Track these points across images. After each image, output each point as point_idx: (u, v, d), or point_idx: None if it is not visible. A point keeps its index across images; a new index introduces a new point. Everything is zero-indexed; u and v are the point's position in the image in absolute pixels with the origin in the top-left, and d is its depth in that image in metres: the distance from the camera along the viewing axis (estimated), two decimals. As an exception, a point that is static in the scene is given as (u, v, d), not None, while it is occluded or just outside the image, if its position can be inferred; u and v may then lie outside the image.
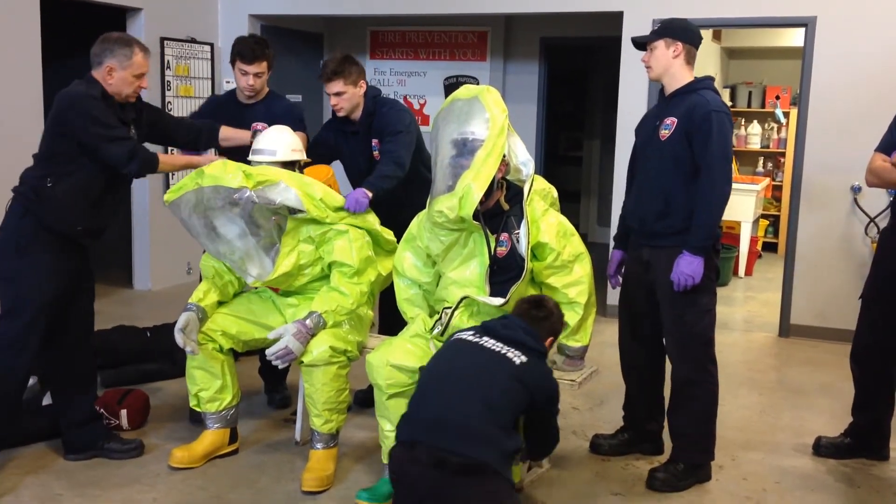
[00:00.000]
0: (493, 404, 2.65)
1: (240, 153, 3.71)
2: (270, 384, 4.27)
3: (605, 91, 8.89)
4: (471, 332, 2.91)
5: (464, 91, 3.18)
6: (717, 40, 8.39)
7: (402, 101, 8.04)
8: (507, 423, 2.68)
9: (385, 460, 3.25)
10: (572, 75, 9.61)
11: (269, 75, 4.07)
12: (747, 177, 8.34)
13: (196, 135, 3.81)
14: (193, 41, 6.75)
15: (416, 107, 8.06)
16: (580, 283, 3.26)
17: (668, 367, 3.57)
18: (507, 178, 3.27)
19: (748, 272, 7.87)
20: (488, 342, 2.83)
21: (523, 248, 3.13)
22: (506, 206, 3.19)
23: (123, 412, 3.85)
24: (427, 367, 2.92)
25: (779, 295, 5.94)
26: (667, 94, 3.42)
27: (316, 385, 3.36)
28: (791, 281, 5.75)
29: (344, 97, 3.89)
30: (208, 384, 3.53)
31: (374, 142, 3.99)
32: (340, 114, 3.96)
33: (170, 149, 4.75)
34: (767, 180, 8.59)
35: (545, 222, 3.23)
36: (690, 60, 3.38)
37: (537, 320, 2.97)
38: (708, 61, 7.80)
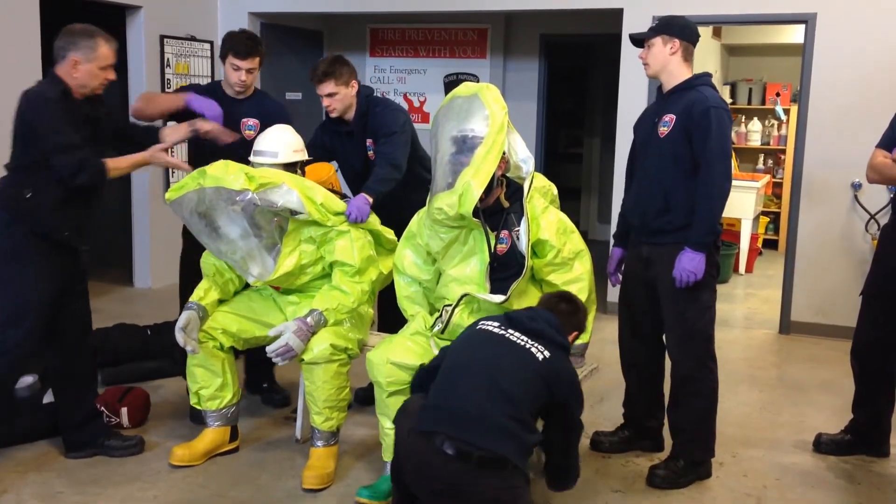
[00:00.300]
0: (514, 398, 2.63)
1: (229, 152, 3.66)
2: (256, 383, 4.25)
3: (606, 88, 8.88)
4: (496, 324, 2.86)
5: (463, 88, 3.18)
6: (718, 37, 8.38)
7: (402, 98, 8.05)
8: (527, 417, 2.66)
9: (386, 458, 3.25)
10: (572, 72, 9.60)
11: (258, 72, 4.05)
12: (748, 174, 8.33)
13: (144, 138, 3.69)
14: (193, 39, 6.75)
15: (417, 104, 8.06)
16: (580, 280, 3.26)
17: (668, 364, 3.57)
18: (507, 175, 3.27)
19: (749, 269, 7.87)
20: (513, 335, 2.79)
21: (523, 245, 3.13)
22: (506, 204, 3.19)
23: (124, 410, 3.85)
24: (449, 356, 2.85)
25: (779, 292, 5.94)
26: (665, 91, 3.42)
27: (317, 383, 3.36)
28: (791, 278, 5.75)
29: (336, 98, 3.88)
30: (209, 382, 3.53)
31: (369, 142, 3.99)
32: (333, 114, 3.96)
33: None
34: (768, 177, 8.60)
35: (545, 219, 3.23)
36: (688, 57, 3.38)
37: (565, 314, 2.95)
38: (708, 58, 7.80)
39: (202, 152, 3.84)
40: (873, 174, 3.58)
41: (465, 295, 3.14)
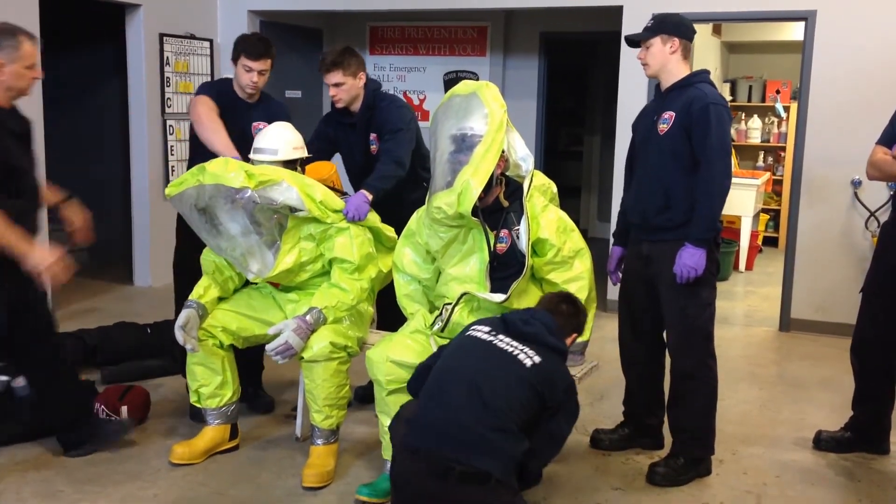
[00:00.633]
0: (498, 410, 2.59)
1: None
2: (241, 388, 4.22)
3: (605, 86, 8.87)
4: (486, 329, 2.82)
5: (462, 87, 3.18)
6: (717, 35, 8.37)
7: (401, 96, 8.04)
8: (513, 428, 2.61)
9: (385, 456, 3.25)
10: (572, 70, 9.59)
11: (269, 74, 4.04)
12: (748, 171, 8.33)
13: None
14: (192, 37, 6.74)
15: (416, 102, 8.05)
16: (580, 278, 3.25)
17: (668, 362, 3.57)
18: (507, 173, 3.27)
19: (748, 267, 7.87)
20: (502, 341, 2.75)
21: (523, 244, 3.13)
22: (505, 203, 3.19)
23: (124, 408, 3.85)
24: (437, 365, 2.83)
25: (779, 289, 5.94)
26: (663, 88, 3.41)
27: (316, 381, 3.36)
28: (791, 275, 5.75)
29: (343, 88, 3.89)
30: (209, 380, 3.53)
31: (373, 136, 3.99)
32: (339, 105, 3.96)
33: None
34: (768, 175, 8.59)
35: (545, 218, 3.22)
36: (686, 55, 3.38)
37: (565, 316, 2.93)
38: (708, 56, 7.79)
39: (203, 153, 3.82)
40: (873, 171, 3.58)
41: (464, 293, 3.14)
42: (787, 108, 8.67)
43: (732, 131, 3.29)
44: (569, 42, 8.41)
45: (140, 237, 6.59)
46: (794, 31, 7.88)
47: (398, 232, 3.52)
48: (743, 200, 7.42)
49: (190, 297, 3.51)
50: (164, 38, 6.45)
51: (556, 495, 3.31)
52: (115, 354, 4.62)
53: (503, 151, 3.10)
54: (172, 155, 6.60)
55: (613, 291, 5.85)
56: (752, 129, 8.98)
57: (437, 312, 3.27)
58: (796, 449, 3.82)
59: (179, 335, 3.36)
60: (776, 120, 9.02)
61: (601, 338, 5.06)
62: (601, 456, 3.68)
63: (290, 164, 3.52)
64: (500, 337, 2.77)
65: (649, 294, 3.47)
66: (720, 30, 8.38)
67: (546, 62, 7.88)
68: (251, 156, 3.55)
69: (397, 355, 3.12)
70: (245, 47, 3.87)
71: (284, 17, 7.35)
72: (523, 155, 3.31)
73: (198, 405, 3.60)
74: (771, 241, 8.97)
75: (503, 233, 3.17)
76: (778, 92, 8.86)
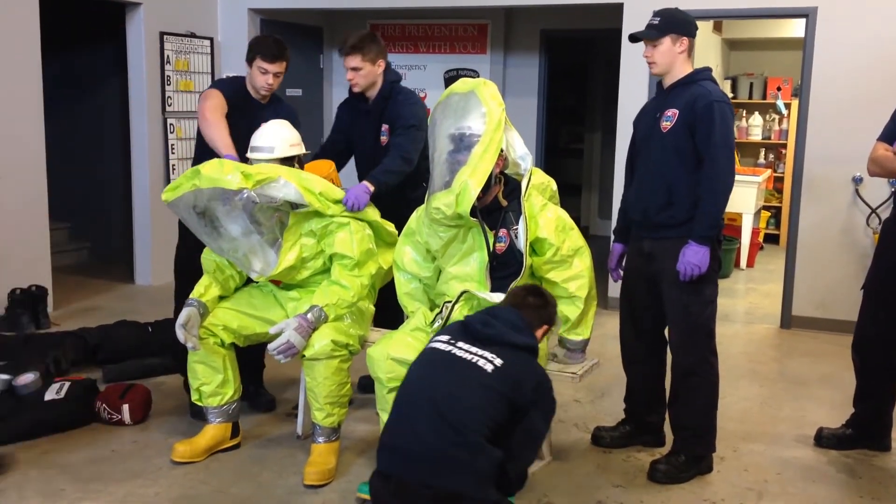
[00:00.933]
0: (464, 425, 2.52)
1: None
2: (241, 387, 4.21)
3: (606, 84, 8.87)
4: (446, 338, 2.76)
5: (460, 85, 3.17)
6: (718, 32, 8.37)
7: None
8: (479, 440, 2.53)
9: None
10: (573, 68, 9.58)
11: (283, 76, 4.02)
12: (749, 168, 8.32)
13: None
14: (193, 36, 6.74)
15: (417, 100, 8.04)
16: (580, 277, 3.25)
17: (669, 359, 3.57)
18: (505, 172, 3.26)
19: (750, 264, 7.87)
20: (461, 349, 2.68)
21: (522, 243, 3.13)
22: (504, 202, 3.18)
23: (125, 407, 3.86)
24: (400, 389, 2.78)
25: (780, 286, 5.94)
26: (666, 86, 3.41)
27: (318, 379, 3.36)
28: (792, 272, 5.74)
29: (360, 73, 3.94)
30: (210, 378, 3.53)
31: (384, 128, 4.02)
32: (356, 89, 4.01)
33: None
34: (769, 172, 8.58)
35: (543, 217, 3.22)
36: (691, 52, 3.38)
37: (532, 308, 2.87)
38: (709, 53, 7.79)
39: (210, 150, 3.80)
40: (874, 167, 3.58)
41: (464, 292, 3.14)
42: (787, 105, 8.66)
43: (734, 127, 3.28)
44: (569, 40, 8.40)
45: (141, 236, 6.59)
46: (795, 28, 7.88)
47: (399, 229, 3.52)
48: (744, 198, 7.41)
49: (191, 296, 3.51)
50: (165, 37, 6.45)
51: (556, 493, 3.31)
52: (116, 353, 4.62)
53: (502, 150, 3.10)
54: (173, 153, 6.60)
55: (614, 289, 5.86)
56: (753, 126, 8.97)
57: (437, 310, 3.27)
58: (797, 446, 3.82)
59: (180, 333, 3.36)
60: (777, 117, 9.01)
61: (602, 335, 5.06)
62: (602, 453, 3.68)
63: (287, 161, 3.52)
64: (460, 344, 2.70)
65: (651, 291, 3.47)
66: (721, 27, 8.37)
67: (546, 60, 7.87)
68: (248, 154, 3.55)
69: (398, 353, 3.12)
70: (261, 49, 3.84)
71: (285, 15, 7.34)
72: (522, 154, 3.30)
73: (199, 403, 3.60)
74: (772, 239, 8.96)
75: (502, 232, 3.17)
76: (779, 89, 8.85)
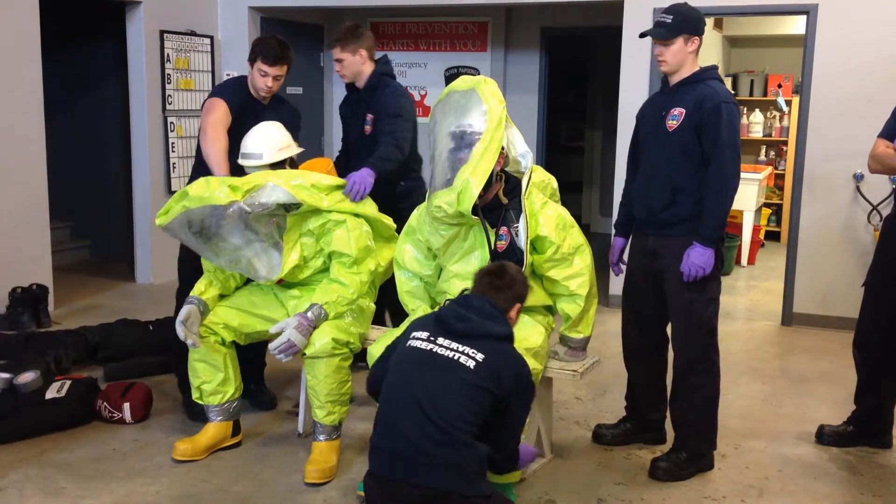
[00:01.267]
0: (448, 423, 2.52)
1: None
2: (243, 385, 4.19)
3: (606, 81, 8.86)
4: (424, 335, 2.73)
5: (461, 82, 3.17)
6: (719, 29, 8.36)
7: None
8: (468, 438, 2.54)
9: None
10: (573, 65, 9.58)
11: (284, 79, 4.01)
12: (749, 166, 8.31)
13: None
14: (193, 34, 6.74)
15: (417, 98, 8.04)
16: (581, 274, 3.25)
17: (671, 356, 3.56)
18: (506, 169, 3.26)
19: (751, 261, 7.87)
20: (441, 346, 2.66)
21: (522, 241, 3.13)
22: (504, 200, 3.18)
23: (126, 405, 3.86)
24: (383, 390, 2.76)
25: (781, 284, 5.94)
26: (672, 83, 3.38)
27: (318, 377, 3.36)
28: (793, 269, 5.74)
29: (343, 64, 4.15)
30: (211, 377, 3.53)
31: (369, 117, 4.14)
32: (344, 80, 4.23)
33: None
34: (770, 169, 8.58)
35: (544, 215, 3.22)
36: (699, 50, 3.36)
37: (500, 289, 2.83)
38: (710, 50, 7.78)
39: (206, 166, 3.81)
40: (875, 164, 3.57)
41: (465, 290, 3.13)
42: (788, 103, 8.66)
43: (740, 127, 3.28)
44: (570, 37, 8.39)
45: (142, 234, 6.60)
46: (796, 25, 7.87)
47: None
48: (745, 195, 7.40)
49: (191, 294, 3.52)
50: (165, 35, 6.45)
51: (557, 490, 3.31)
52: (117, 351, 4.63)
53: (502, 148, 3.10)
54: (173, 152, 6.60)
55: (615, 287, 5.86)
56: (754, 124, 8.96)
57: (437, 307, 3.26)
58: (798, 443, 3.82)
59: (180, 330, 3.37)
60: (778, 114, 9.00)
61: (603, 333, 5.06)
62: (603, 451, 3.68)
63: (278, 166, 3.51)
64: (440, 341, 2.68)
65: (655, 288, 3.46)
66: (722, 24, 8.37)
67: (547, 57, 7.87)
68: (239, 160, 3.55)
69: (398, 351, 3.11)
70: (263, 51, 3.82)
71: (285, 13, 7.34)
72: (522, 151, 3.30)
73: (200, 402, 3.60)
74: (773, 236, 8.96)
75: (503, 230, 3.16)
76: (780, 86, 8.85)
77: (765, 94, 9.03)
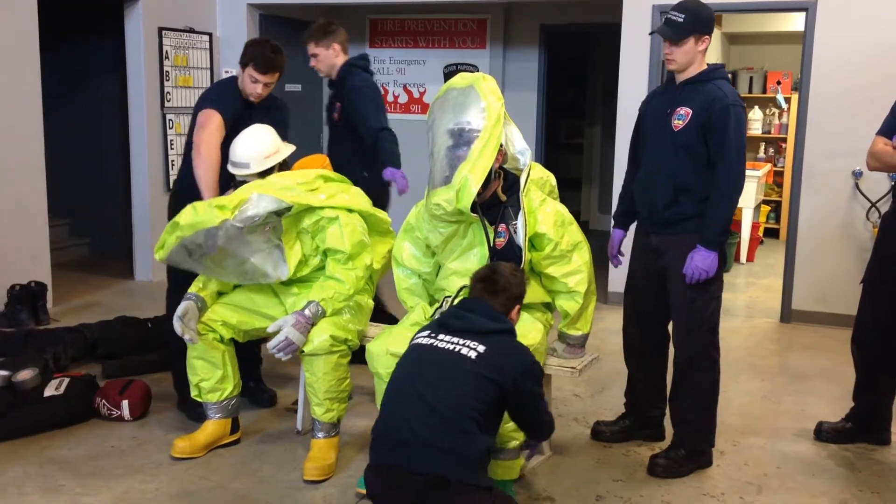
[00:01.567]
0: (449, 412, 2.55)
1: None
2: (241, 383, 4.17)
3: (606, 78, 8.86)
4: (426, 332, 2.79)
5: (459, 79, 3.16)
6: (718, 26, 8.35)
7: (401, 89, 8.04)
8: (472, 426, 2.57)
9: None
10: (572, 62, 9.57)
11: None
12: (749, 163, 8.28)
13: None
14: (192, 31, 6.73)
15: (416, 95, 8.04)
16: (579, 272, 3.25)
17: (670, 355, 3.56)
18: (505, 167, 3.26)
19: (750, 258, 7.87)
20: (442, 340, 2.71)
21: (520, 239, 3.12)
22: (503, 197, 3.18)
23: (125, 403, 3.86)
24: (388, 384, 2.81)
25: (780, 280, 5.94)
26: (679, 80, 3.35)
27: (317, 374, 3.36)
28: (792, 266, 5.74)
29: (317, 59, 4.39)
30: (209, 374, 3.53)
31: (338, 105, 4.38)
32: (320, 74, 4.50)
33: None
34: (769, 166, 8.58)
35: (542, 212, 3.21)
36: (707, 48, 3.34)
37: (495, 294, 2.84)
38: (709, 47, 7.76)
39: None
40: (874, 162, 3.57)
41: (464, 286, 3.13)
42: (787, 100, 8.65)
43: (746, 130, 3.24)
44: (569, 34, 8.38)
45: (140, 231, 6.59)
46: (795, 22, 7.85)
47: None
48: (744, 192, 7.33)
49: (189, 290, 3.52)
50: (163, 32, 6.44)
51: (557, 487, 3.31)
52: (115, 349, 4.63)
53: (501, 145, 3.09)
54: (172, 149, 6.60)
55: (613, 284, 5.87)
56: (753, 121, 8.96)
57: (436, 305, 3.26)
58: (797, 440, 3.82)
59: (178, 325, 3.37)
60: (777, 111, 9.00)
61: (602, 330, 5.06)
62: (602, 448, 3.68)
63: (266, 173, 3.50)
64: (441, 336, 2.73)
65: (657, 285, 3.45)
66: (720, 21, 8.35)
67: (546, 54, 7.86)
68: (228, 167, 3.54)
69: (397, 348, 3.11)
70: (255, 57, 3.79)
71: (283, 10, 7.33)
72: (521, 148, 3.29)
73: (198, 399, 3.59)
74: (772, 233, 8.96)
75: (501, 227, 3.16)
76: (779, 83, 8.84)
77: (764, 91, 9.03)
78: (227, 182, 3.66)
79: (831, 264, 5.60)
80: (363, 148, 4.26)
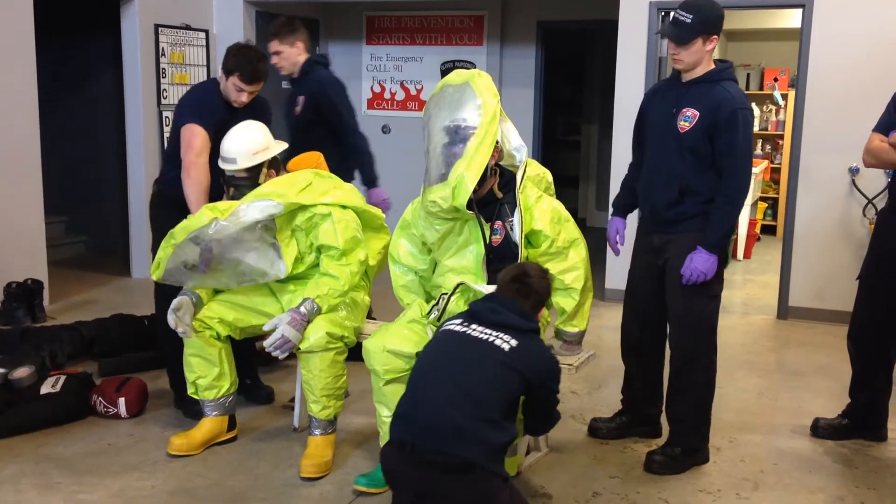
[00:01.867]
0: (481, 399, 2.58)
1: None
2: (238, 381, 4.15)
3: (603, 75, 8.85)
4: (458, 321, 2.82)
5: (455, 76, 3.15)
6: (715, 22, 8.33)
7: (398, 86, 8.03)
8: (499, 415, 2.61)
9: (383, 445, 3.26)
10: (569, 59, 9.56)
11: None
12: (746, 159, 8.31)
13: None
14: (188, 28, 6.72)
15: (413, 92, 8.03)
16: (576, 268, 3.25)
17: (667, 353, 3.56)
18: (500, 163, 3.25)
19: (747, 255, 7.87)
20: (475, 330, 2.74)
21: (517, 235, 3.12)
22: (499, 194, 3.17)
23: (121, 400, 3.86)
24: (416, 364, 2.84)
25: (777, 277, 5.94)
26: (685, 79, 3.30)
27: (313, 371, 3.36)
28: (789, 263, 5.75)
29: (281, 56, 4.42)
30: (206, 372, 3.53)
31: (300, 98, 4.42)
32: (282, 73, 4.52)
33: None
34: (766, 163, 8.59)
35: (538, 209, 3.21)
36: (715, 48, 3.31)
37: (527, 296, 2.87)
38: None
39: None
40: (870, 158, 3.57)
41: (460, 284, 3.13)
42: (784, 96, 8.66)
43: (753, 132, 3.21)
44: (566, 31, 8.37)
45: (137, 228, 6.58)
46: (792, 19, 7.86)
47: None
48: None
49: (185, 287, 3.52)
50: (160, 29, 6.43)
51: (553, 484, 3.32)
52: (112, 346, 4.62)
53: (497, 142, 3.09)
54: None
55: (610, 280, 5.87)
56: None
57: (433, 302, 3.26)
58: (794, 436, 3.82)
59: (171, 319, 3.37)
60: (774, 108, 9.00)
61: (599, 327, 5.06)
62: (599, 445, 3.68)
63: (255, 169, 3.48)
64: (473, 326, 2.76)
65: (657, 283, 3.43)
66: (718, 17, 8.34)
67: (543, 51, 7.85)
68: (219, 163, 3.53)
69: (394, 345, 3.12)
70: (240, 66, 3.72)
71: (280, 7, 7.31)
72: (517, 145, 3.28)
73: (195, 396, 3.59)
74: (769, 230, 8.96)
75: (497, 224, 3.16)
76: (776, 80, 8.84)
77: (761, 88, 9.03)
78: (219, 195, 3.66)
79: (828, 261, 5.60)
80: (329, 142, 4.33)
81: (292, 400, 3.94)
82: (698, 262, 3.25)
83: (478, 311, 2.81)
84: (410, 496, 2.61)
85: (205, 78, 6.80)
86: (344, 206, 3.49)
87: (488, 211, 3.16)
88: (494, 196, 3.17)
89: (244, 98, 3.81)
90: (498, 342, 2.69)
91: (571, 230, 3.27)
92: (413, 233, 3.34)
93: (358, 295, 3.54)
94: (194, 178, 3.69)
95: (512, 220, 3.14)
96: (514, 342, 2.70)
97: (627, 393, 3.76)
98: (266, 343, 3.30)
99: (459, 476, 2.51)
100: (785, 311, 5.80)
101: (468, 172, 2.95)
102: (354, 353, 3.49)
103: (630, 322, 3.63)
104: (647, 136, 3.47)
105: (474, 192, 3.00)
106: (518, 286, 2.88)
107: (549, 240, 3.19)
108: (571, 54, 9.51)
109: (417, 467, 2.55)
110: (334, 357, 3.37)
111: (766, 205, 9.00)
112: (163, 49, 6.47)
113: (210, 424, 3.58)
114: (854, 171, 5.47)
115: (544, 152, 8.05)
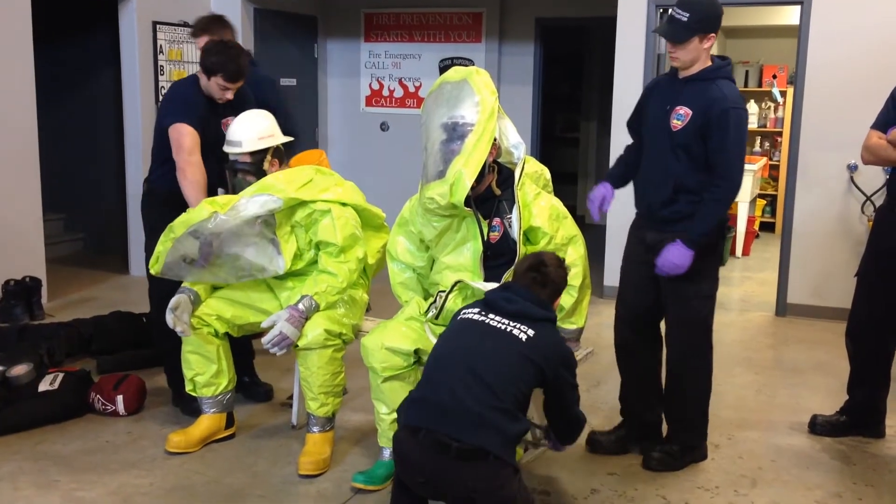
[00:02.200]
0: (497, 387, 2.59)
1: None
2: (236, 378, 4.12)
3: (601, 72, 8.85)
4: (475, 310, 2.81)
5: (452, 73, 3.14)
6: (714, 19, 8.33)
7: (397, 83, 8.03)
8: (513, 405, 2.61)
9: (381, 443, 3.26)
10: (568, 56, 9.56)
11: None
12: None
13: None
14: (186, 25, 6.70)
15: (412, 89, 8.02)
16: (574, 265, 3.24)
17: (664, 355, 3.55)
18: (499, 160, 3.25)
19: (745, 252, 7.88)
20: (493, 319, 2.75)
21: (515, 232, 3.12)
22: (497, 191, 3.17)
23: (119, 398, 3.85)
24: (433, 350, 2.83)
25: (776, 274, 5.94)
26: (681, 76, 3.29)
27: (311, 368, 3.36)
28: (788, 260, 5.75)
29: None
30: (204, 369, 3.53)
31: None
32: None
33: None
34: (764, 160, 8.59)
35: (537, 206, 3.21)
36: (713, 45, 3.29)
37: (544, 286, 2.86)
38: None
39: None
40: (868, 155, 3.57)
41: (458, 282, 3.13)
42: (783, 93, 8.66)
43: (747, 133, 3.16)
44: (564, 28, 8.38)
45: (136, 226, 6.53)
46: (791, 16, 7.86)
47: None
48: (740, 186, 7.39)
49: (183, 284, 3.51)
50: (158, 27, 6.42)
51: (552, 481, 3.32)
52: (110, 344, 4.62)
53: (495, 139, 3.09)
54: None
55: (609, 278, 5.87)
56: (749, 115, 8.95)
57: (431, 300, 3.26)
58: (792, 433, 3.83)
59: (169, 318, 3.36)
60: (773, 105, 9.00)
61: (597, 324, 5.06)
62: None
63: (259, 154, 3.49)
64: (491, 316, 2.76)
65: (651, 282, 3.39)
66: (716, 14, 8.34)
67: (542, 48, 7.85)
68: (224, 147, 3.54)
69: (392, 342, 3.12)
70: (224, 67, 3.69)
71: (278, 3, 7.30)
72: (515, 142, 3.28)
73: (193, 394, 3.59)
74: (767, 227, 8.97)
75: (496, 221, 3.16)
76: (774, 77, 8.85)
77: (760, 85, 9.03)
78: (213, 191, 3.67)
79: (826, 258, 5.61)
80: None
81: (290, 397, 3.95)
82: (673, 255, 3.22)
83: (493, 301, 2.80)
84: (420, 482, 2.60)
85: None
86: (344, 204, 3.48)
87: (486, 208, 3.16)
88: (492, 193, 3.16)
89: (229, 95, 3.80)
90: (515, 332, 2.69)
91: (570, 227, 3.27)
92: (411, 230, 3.34)
93: (356, 292, 3.53)
94: (191, 178, 3.68)
95: (510, 217, 3.14)
96: (530, 332, 2.70)
97: (625, 401, 3.65)
98: (264, 340, 3.30)
99: (473, 463, 2.51)
100: (783, 307, 5.81)
101: (466, 169, 2.95)
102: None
103: (622, 324, 3.57)
104: (644, 130, 3.44)
105: (472, 188, 3.00)
106: (535, 275, 2.85)
107: (548, 237, 3.19)
108: (570, 51, 9.51)
109: (431, 452, 2.54)
110: (332, 354, 3.37)
111: (765, 202, 9.00)
112: (161, 46, 6.46)
113: (208, 422, 3.58)
114: (853, 168, 5.47)
115: (543, 149, 8.05)
